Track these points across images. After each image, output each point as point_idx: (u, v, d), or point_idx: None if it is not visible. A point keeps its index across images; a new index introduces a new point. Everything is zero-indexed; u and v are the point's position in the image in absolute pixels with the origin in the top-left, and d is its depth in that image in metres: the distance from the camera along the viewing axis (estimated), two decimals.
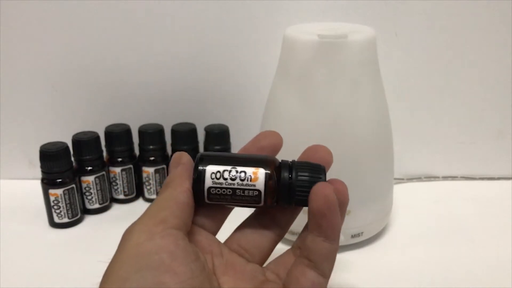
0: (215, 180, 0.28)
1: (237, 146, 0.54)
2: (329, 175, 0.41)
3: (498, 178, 0.60)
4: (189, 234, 0.28)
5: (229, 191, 0.28)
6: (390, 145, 0.46)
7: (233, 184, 0.28)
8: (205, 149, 0.54)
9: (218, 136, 0.53)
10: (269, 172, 0.28)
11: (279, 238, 0.32)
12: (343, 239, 0.44)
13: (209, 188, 0.28)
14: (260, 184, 0.28)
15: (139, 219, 0.27)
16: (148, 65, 0.56)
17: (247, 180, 0.28)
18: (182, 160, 0.29)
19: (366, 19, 0.52)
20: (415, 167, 0.60)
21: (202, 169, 0.29)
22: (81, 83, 0.57)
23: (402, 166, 0.58)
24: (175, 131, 0.53)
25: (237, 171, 0.28)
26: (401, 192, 0.56)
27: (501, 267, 0.43)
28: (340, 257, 0.45)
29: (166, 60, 0.56)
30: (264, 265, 0.31)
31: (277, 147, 0.31)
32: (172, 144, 0.54)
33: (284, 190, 0.29)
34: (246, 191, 0.28)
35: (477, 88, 0.56)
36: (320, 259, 0.28)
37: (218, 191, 0.28)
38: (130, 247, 0.25)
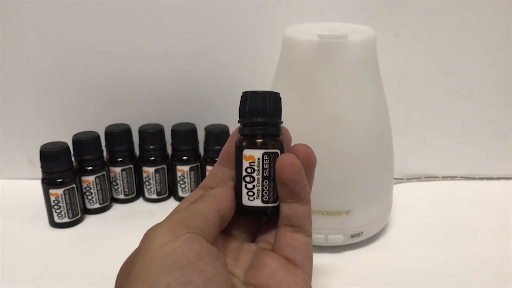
0: (251, 195, 0.30)
1: None
2: (329, 174, 0.41)
3: (498, 178, 0.60)
4: None
5: (266, 183, 0.30)
6: (390, 145, 0.46)
7: (259, 178, 0.30)
8: (205, 149, 0.54)
9: (218, 136, 0.53)
10: (244, 143, 0.30)
11: None
12: (343, 239, 0.44)
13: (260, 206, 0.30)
14: (257, 152, 0.30)
15: (165, 220, 0.28)
16: (148, 65, 0.56)
17: (256, 166, 0.30)
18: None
19: (366, 19, 0.52)
20: (415, 167, 0.60)
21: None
22: (82, 83, 0.57)
23: (402, 166, 0.58)
24: (175, 131, 0.53)
25: (246, 176, 0.30)
26: (401, 192, 0.56)
27: (501, 267, 0.43)
28: (340, 256, 0.45)
29: (166, 60, 0.56)
30: None
31: None
32: (172, 144, 0.54)
33: (271, 134, 0.30)
34: (269, 165, 0.30)
35: (477, 88, 0.56)
36: (302, 221, 0.31)
37: (266, 192, 0.30)
38: (155, 248, 0.26)
